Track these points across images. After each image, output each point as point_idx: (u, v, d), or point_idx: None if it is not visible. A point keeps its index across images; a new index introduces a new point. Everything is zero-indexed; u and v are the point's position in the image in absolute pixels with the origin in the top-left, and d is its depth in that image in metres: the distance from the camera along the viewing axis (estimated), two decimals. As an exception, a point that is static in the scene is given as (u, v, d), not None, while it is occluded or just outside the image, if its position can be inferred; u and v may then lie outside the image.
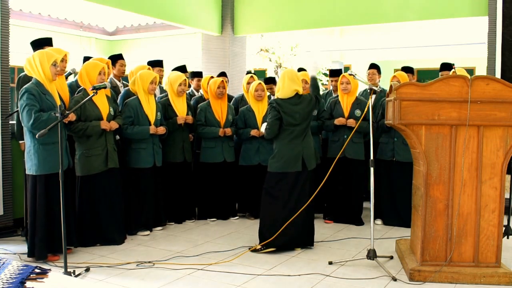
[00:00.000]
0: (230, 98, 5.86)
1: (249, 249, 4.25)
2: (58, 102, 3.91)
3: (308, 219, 4.27)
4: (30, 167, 3.87)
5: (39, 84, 3.85)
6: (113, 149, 4.44)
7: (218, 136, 5.29)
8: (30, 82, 3.88)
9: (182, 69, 5.82)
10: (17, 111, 4.34)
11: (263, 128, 4.63)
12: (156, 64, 5.52)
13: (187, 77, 5.44)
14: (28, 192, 3.93)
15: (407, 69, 5.60)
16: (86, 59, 4.86)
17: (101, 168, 4.31)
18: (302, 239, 4.27)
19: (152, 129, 4.75)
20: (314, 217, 4.40)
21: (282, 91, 4.26)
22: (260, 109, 5.35)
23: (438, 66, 5.80)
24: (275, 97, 4.33)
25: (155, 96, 5.26)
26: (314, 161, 4.33)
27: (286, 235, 4.13)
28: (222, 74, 6.04)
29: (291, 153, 4.20)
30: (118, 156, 4.51)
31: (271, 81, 5.98)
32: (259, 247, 4.22)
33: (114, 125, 4.40)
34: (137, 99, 4.76)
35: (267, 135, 4.34)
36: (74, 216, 4.17)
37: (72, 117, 4.01)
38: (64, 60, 4.11)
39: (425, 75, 11.40)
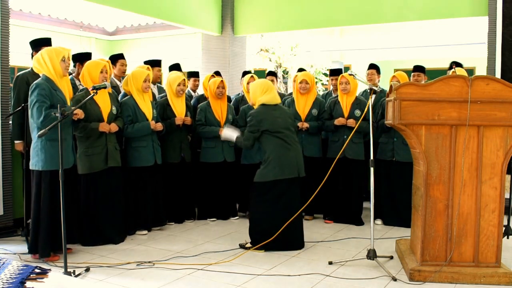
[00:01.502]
0: (228, 99, 5.84)
1: (239, 244, 4.34)
2: (68, 99, 3.92)
3: (296, 222, 4.25)
4: (36, 163, 3.85)
5: (49, 80, 3.85)
6: (114, 148, 4.43)
7: (218, 136, 5.29)
8: (40, 78, 3.88)
9: (176, 67, 5.81)
10: (18, 111, 4.36)
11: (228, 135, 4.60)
12: (154, 63, 5.46)
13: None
14: (33, 188, 3.91)
15: (419, 68, 5.44)
16: (79, 56, 4.85)
17: (101, 167, 4.31)
18: (291, 242, 4.26)
19: (152, 124, 4.74)
20: (302, 219, 4.46)
21: (272, 97, 4.37)
22: (260, 109, 5.35)
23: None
24: (257, 104, 4.40)
25: (154, 96, 5.25)
26: (303, 168, 4.38)
27: (275, 239, 4.15)
28: (217, 74, 6.01)
29: (286, 159, 4.24)
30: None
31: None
32: (249, 245, 4.29)
33: (113, 127, 4.39)
34: (132, 98, 4.73)
35: (244, 146, 4.42)
36: (77, 213, 4.18)
37: (81, 114, 4.01)
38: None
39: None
